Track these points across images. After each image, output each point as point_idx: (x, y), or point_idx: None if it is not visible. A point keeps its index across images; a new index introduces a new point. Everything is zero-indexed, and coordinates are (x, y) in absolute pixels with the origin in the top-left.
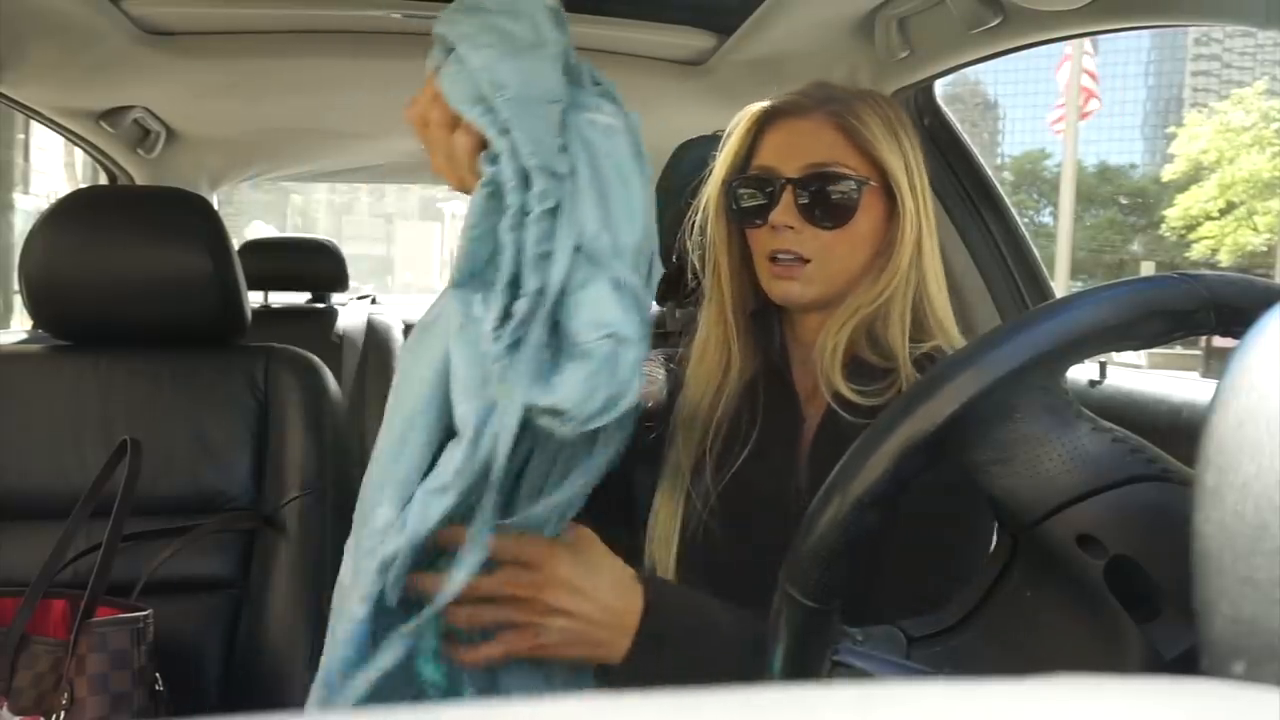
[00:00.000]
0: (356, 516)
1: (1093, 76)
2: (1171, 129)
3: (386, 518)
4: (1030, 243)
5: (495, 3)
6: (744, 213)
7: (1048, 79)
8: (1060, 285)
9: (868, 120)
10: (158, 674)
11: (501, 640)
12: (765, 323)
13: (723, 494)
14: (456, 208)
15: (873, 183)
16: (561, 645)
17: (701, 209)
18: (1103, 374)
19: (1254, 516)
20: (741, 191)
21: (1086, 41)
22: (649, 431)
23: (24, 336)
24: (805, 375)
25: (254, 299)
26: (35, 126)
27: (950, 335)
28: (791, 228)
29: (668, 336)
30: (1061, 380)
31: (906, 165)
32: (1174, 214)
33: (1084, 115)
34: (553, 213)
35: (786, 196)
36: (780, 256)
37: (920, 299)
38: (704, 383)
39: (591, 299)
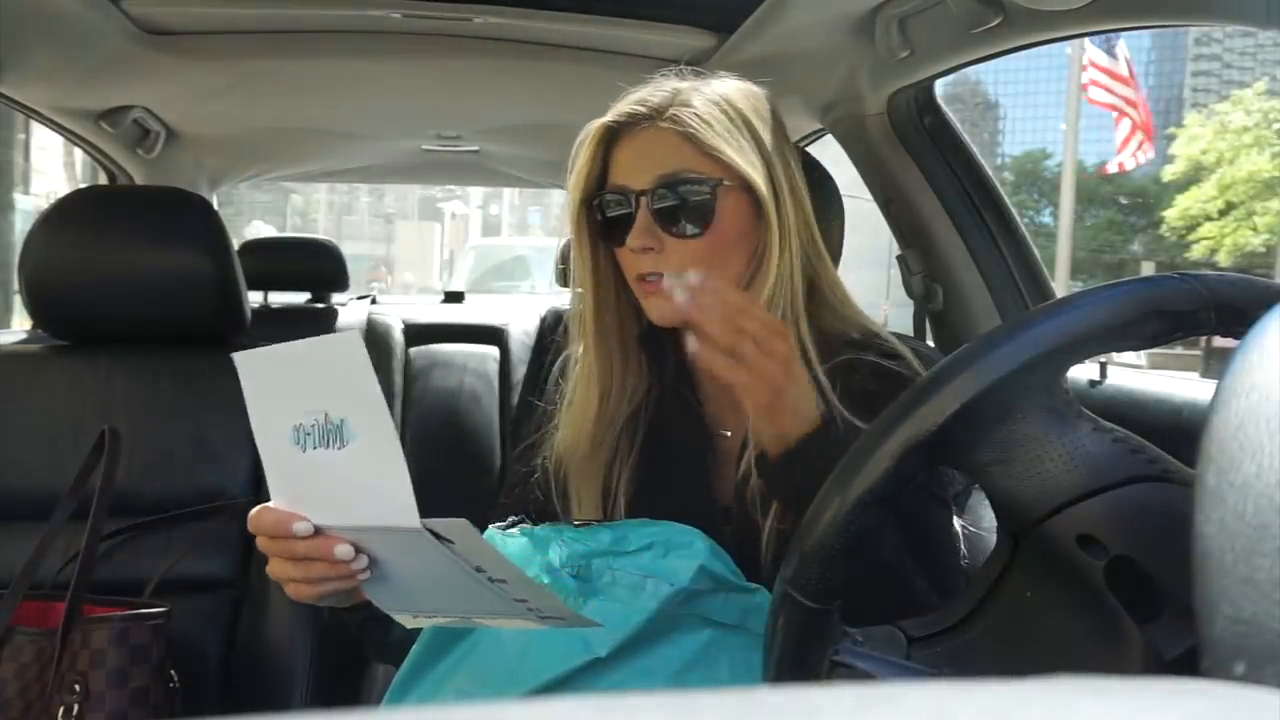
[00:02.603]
0: None
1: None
2: (1171, 129)
3: None
4: (1030, 243)
5: None
6: (607, 231)
7: (1048, 79)
8: (1060, 285)
9: (710, 120)
10: (173, 671)
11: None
12: (658, 341)
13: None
14: (456, 207)
15: (727, 182)
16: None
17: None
18: (1103, 374)
19: (1254, 517)
20: (599, 211)
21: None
22: (529, 477)
23: (24, 336)
24: (719, 390)
25: (254, 299)
26: (35, 126)
27: (860, 317)
28: (651, 248)
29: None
30: (1062, 380)
31: (766, 160)
32: (1174, 214)
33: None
34: None
35: (641, 213)
36: (649, 276)
37: (820, 296)
38: (592, 413)
39: None
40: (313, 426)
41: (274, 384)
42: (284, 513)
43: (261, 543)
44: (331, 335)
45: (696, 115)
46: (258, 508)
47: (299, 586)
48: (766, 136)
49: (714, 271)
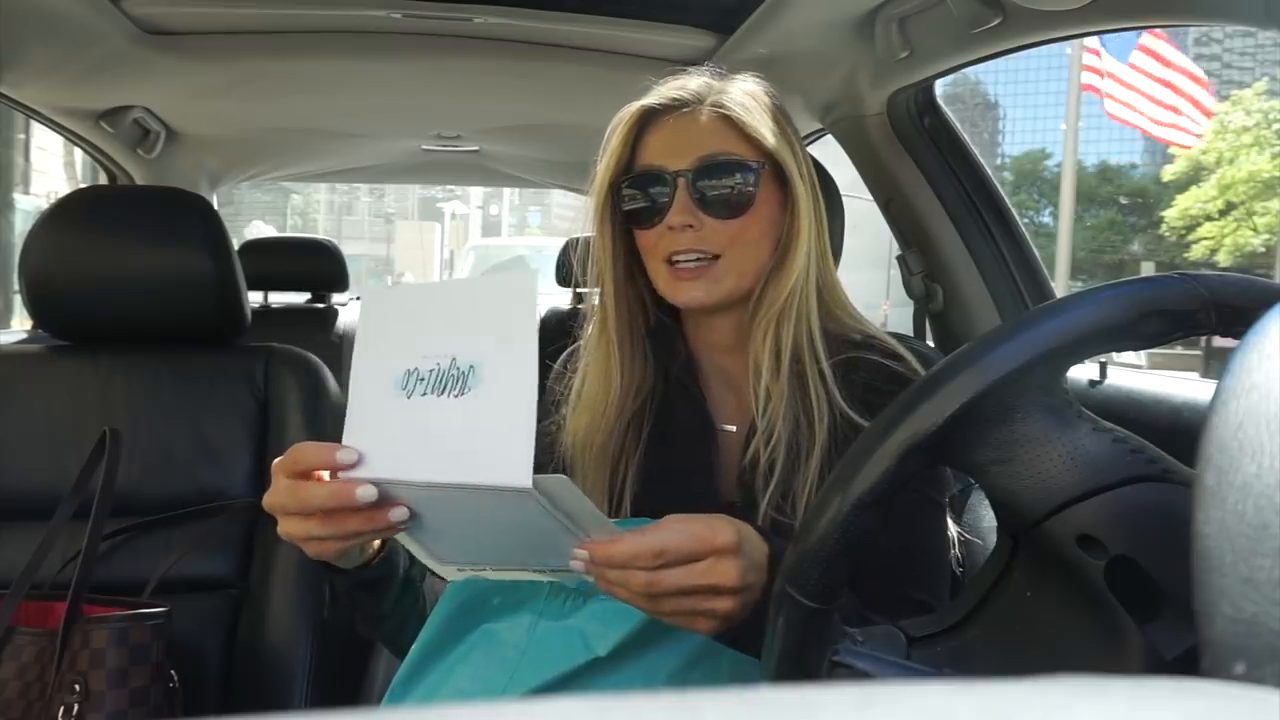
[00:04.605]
0: None
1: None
2: None
3: None
4: (1030, 243)
5: None
6: (633, 214)
7: (1048, 79)
8: (1060, 285)
9: (750, 107)
10: (172, 671)
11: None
12: (664, 335)
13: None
14: (456, 207)
15: (767, 168)
16: (732, 617)
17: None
18: (1103, 374)
19: (1254, 516)
20: (629, 193)
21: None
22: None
23: (24, 336)
24: (723, 385)
25: (254, 299)
26: (35, 126)
27: (859, 320)
28: (691, 226)
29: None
30: (1062, 380)
31: (793, 150)
32: (1174, 214)
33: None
34: None
35: (681, 193)
36: (680, 259)
37: (824, 287)
38: (603, 404)
39: None
40: (430, 371)
41: (402, 322)
42: (340, 483)
43: (285, 498)
44: (506, 274)
45: (738, 101)
46: (304, 485)
47: (323, 545)
48: (792, 130)
49: (747, 254)
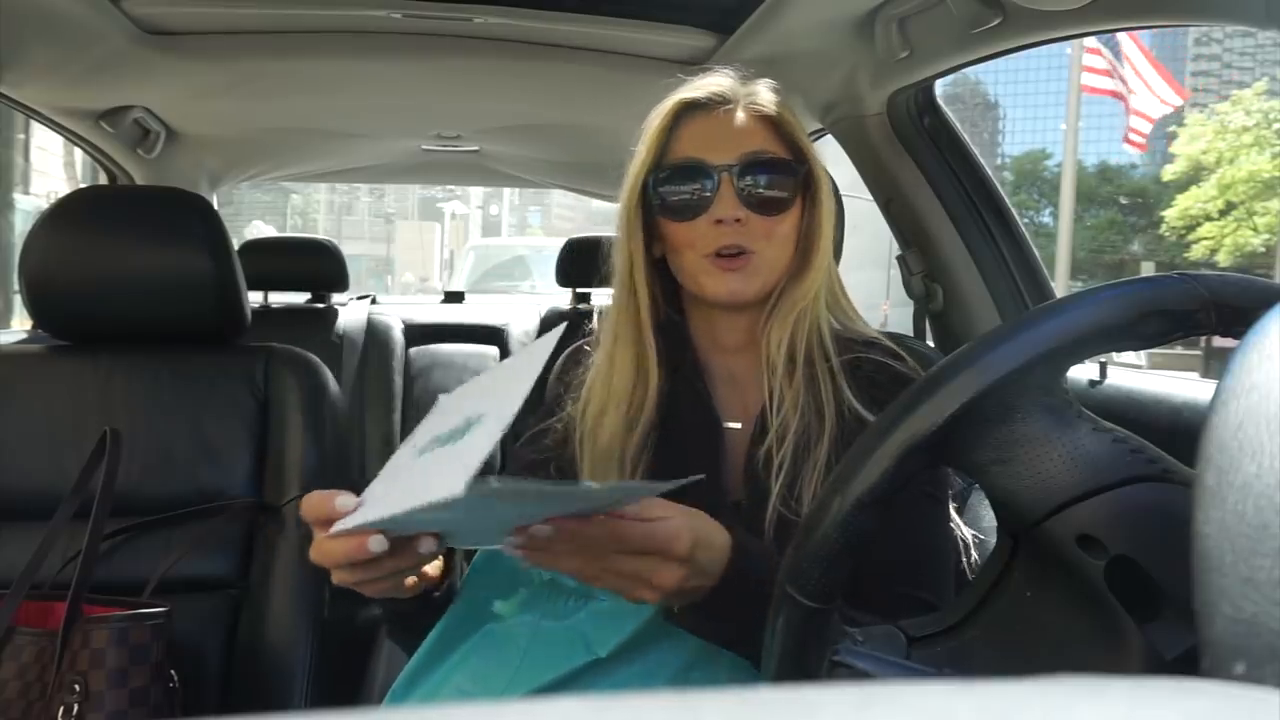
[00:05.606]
0: None
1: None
2: (1172, 129)
3: None
4: (1030, 243)
5: None
6: (673, 209)
7: (1048, 79)
8: (1060, 285)
9: (780, 109)
10: (172, 671)
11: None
12: (675, 334)
13: None
14: (456, 207)
15: (805, 169)
16: (676, 593)
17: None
18: (1103, 374)
19: (1254, 516)
20: (668, 187)
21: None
22: (548, 464)
23: (24, 336)
24: (729, 383)
25: (254, 299)
26: (35, 126)
27: (857, 319)
28: (739, 220)
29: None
30: (1061, 380)
31: (813, 152)
32: (1174, 214)
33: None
34: None
35: (726, 187)
36: (726, 252)
37: (835, 289)
38: (617, 401)
39: None
40: (447, 431)
41: (458, 405)
42: (354, 540)
43: (317, 555)
44: (539, 342)
45: (769, 100)
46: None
47: (375, 585)
48: (804, 132)
49: (780, 252)
